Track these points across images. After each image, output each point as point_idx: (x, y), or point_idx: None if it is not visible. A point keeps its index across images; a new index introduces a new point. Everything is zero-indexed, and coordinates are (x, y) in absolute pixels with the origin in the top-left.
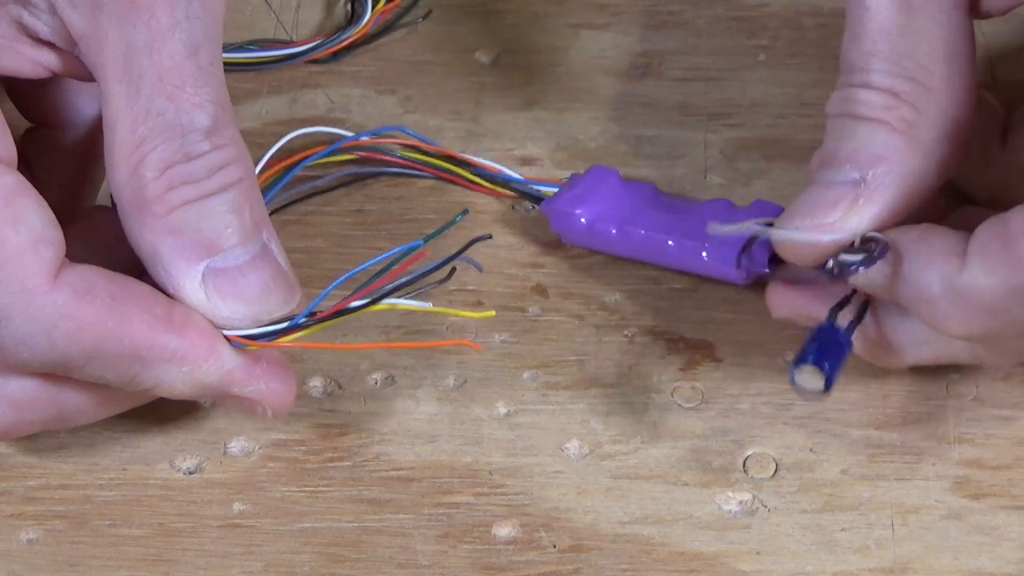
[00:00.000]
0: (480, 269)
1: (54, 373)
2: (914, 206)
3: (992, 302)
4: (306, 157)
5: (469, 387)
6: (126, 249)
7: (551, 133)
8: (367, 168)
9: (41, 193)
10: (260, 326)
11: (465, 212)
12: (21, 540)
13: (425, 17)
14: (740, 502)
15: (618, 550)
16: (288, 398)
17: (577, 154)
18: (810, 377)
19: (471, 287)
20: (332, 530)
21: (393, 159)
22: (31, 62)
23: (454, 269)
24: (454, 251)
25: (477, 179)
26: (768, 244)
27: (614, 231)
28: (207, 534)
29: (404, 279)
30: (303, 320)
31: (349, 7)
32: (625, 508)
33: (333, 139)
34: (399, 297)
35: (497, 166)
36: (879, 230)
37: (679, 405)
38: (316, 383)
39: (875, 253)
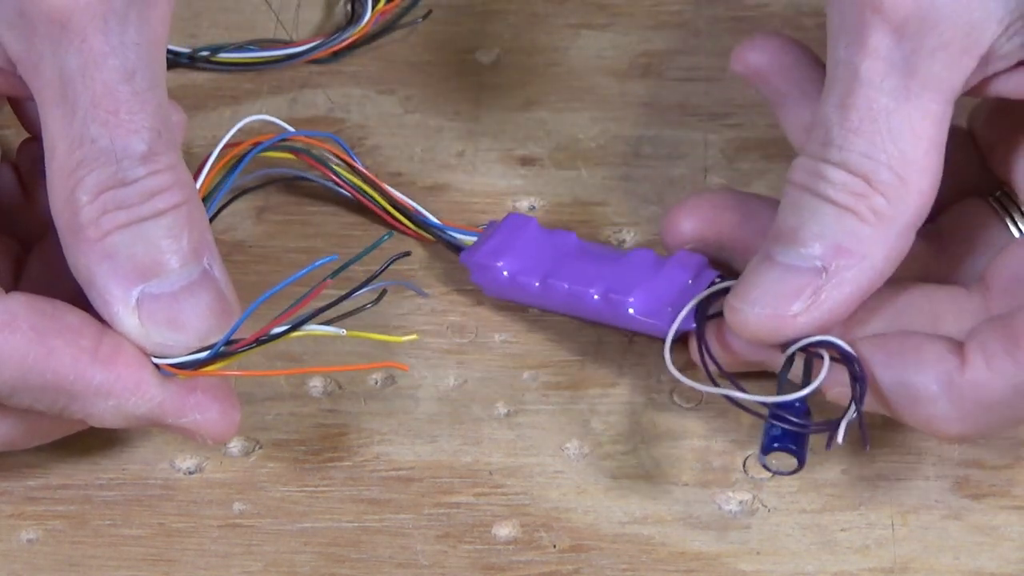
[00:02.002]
0: (425, 295)
1: None
2: (866, 296)
3: (996, 400)
4: (255, 145)
5: (469, 387)
6: None
7: (551, 133)
8: (301, 173)
9: (28, 205)
10: (192, 354)
11: (389, 235)
12: (21, 540)
13: (425, 17)
14: (740, 502)
15: (618, 550)
16: (228, 426)
17: (577, 154)
18: (782, 460)
19: (470, 287)
20: (332, 530)
21: (324, 169)
22: None
23: (385, 291)
24: (393, 273)
25: (397, 214)
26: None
27: (536, 284)
28: (207, 534)
29: (328, 303)
30: (224, 348)
31: (349, 7)
32: (625, 508)
33: (280, 132)
34: (319, 323)
35: (417, 207)
36: (833, 323)
37: (679, 405)
38: (316, 383)
39: (859, 382)
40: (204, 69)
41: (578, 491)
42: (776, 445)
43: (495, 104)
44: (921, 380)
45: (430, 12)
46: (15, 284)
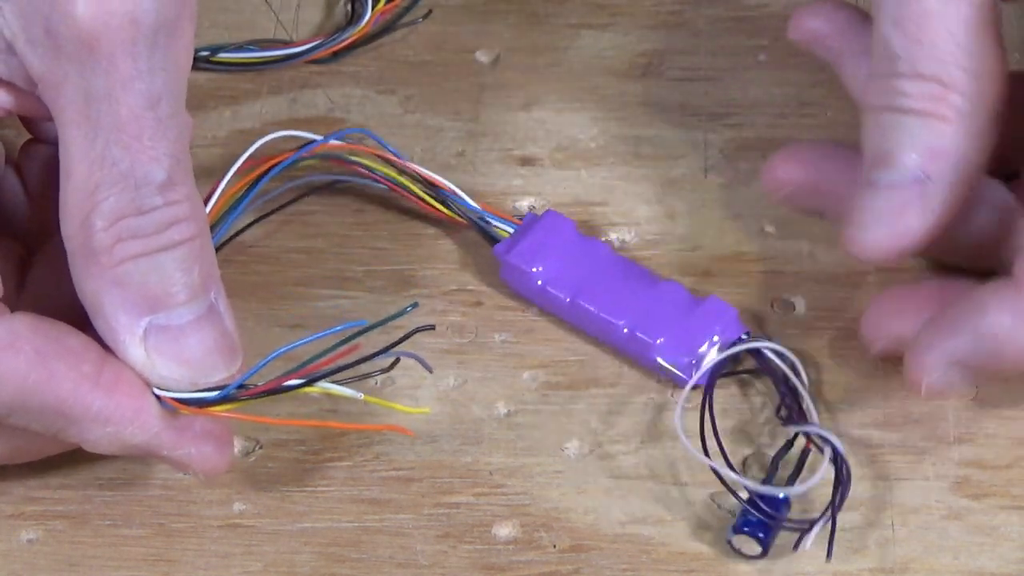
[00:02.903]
0: (430, 371)
1: None
2: (970, 192)
3: None
4: (273, 166)
5: (469, 387)
6: None
7: (551, 133)
8: (328, 176)
9: (30, 206)
10: (196, 389)
11: (415, 305)
12: (21, 540)
13: (425, 17)
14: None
15: (618, 550)
16: (221, 462)
17: (577, 154)
18: (748, 543)
19: (471, 287)
20: (332, 530)
21: (356, 169)
22: None
23: (398, 359)
24: (402, 333)
25: (432, 200)
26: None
27: (567, 300)
28: (207, 534)
29: (344, 363)
30: (234, 392)
31: (349, 7)
32: (625, 508)
33: (300, 142)
34: (333, 382)
35: (456, 189)
36: (946, 224)
37: (679, 405)
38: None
39: (841, 487)
40: (204, 69)
41: (578, 491)
42: (746, 529)
43: (495, 104)
44: (989, 323)
45: (430, 12)
46: (19, 288)
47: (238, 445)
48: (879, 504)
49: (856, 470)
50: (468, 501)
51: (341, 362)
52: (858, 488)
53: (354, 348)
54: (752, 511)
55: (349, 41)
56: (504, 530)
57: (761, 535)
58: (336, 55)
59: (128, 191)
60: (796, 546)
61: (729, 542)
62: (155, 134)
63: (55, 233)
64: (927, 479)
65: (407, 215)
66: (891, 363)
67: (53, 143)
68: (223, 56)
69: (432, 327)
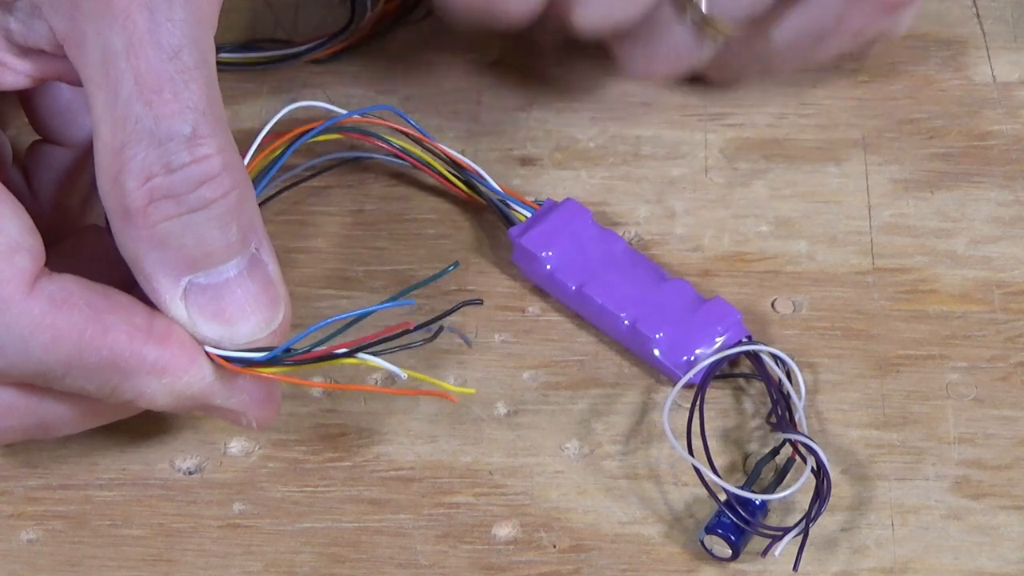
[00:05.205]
0: (470, 344)
1: (33, 383)
2: None
3: None
4: (304, 133)
5: (469, 387)
6: (114, 269)
7: (551, 133)
8: (354, 153)
9: (36, 208)
10: (239, 348)
11: (456, 265)
12: (21, 540)
13: (425, 17)
14: None
15: (618, 550)
16: (273, 409)
17: (577, 154)
18: (719, 544)
19: (471, 287)
20: (332, 530)
21: (379, 144)
22: (14, 73)
23: (441, 328)
24: (446, 300)
25: (452, 177)
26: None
27: (573, 288)
28: (207, 534)
29: (389, 334)
30: (280, 355)
31: (349, 7)
32: (625, 508)
33: (329, 115)
34: (378, 355)
35: (480, 170)
36: None
37: (679, 405)
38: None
39: (820, 500)
40: None
41: (578, 491)
42: (719, 531)
43: (495, 104)
44: None
45: (430, 12)
46: None
47: (238, 446)
48: (879, 504)
49: (856, 470)
50: (468, 501)
51: (386, 335)
52: (858, 487)
53: (405, 326)
54: (727, 513)
55: (349, 41)
56: (504, 530)
57: (732, 538)
58: (336, 55)
59: (154, 148)
60: (764, 553)
61: (701, 542)
62: (176, 87)
63: (65, 235)
64: (927, 479)
65: (408, 215)
66: (891, 363)
67: (60, 144)
68: (223, 56)
69: (480, 302)
